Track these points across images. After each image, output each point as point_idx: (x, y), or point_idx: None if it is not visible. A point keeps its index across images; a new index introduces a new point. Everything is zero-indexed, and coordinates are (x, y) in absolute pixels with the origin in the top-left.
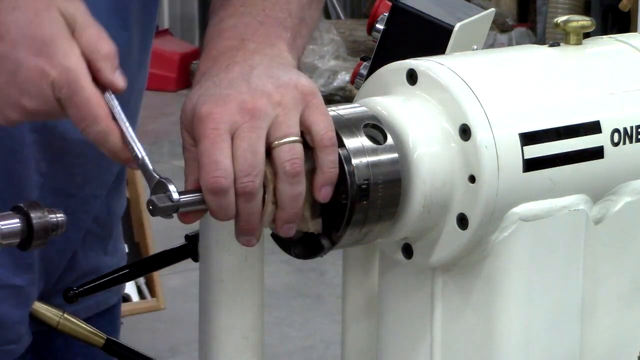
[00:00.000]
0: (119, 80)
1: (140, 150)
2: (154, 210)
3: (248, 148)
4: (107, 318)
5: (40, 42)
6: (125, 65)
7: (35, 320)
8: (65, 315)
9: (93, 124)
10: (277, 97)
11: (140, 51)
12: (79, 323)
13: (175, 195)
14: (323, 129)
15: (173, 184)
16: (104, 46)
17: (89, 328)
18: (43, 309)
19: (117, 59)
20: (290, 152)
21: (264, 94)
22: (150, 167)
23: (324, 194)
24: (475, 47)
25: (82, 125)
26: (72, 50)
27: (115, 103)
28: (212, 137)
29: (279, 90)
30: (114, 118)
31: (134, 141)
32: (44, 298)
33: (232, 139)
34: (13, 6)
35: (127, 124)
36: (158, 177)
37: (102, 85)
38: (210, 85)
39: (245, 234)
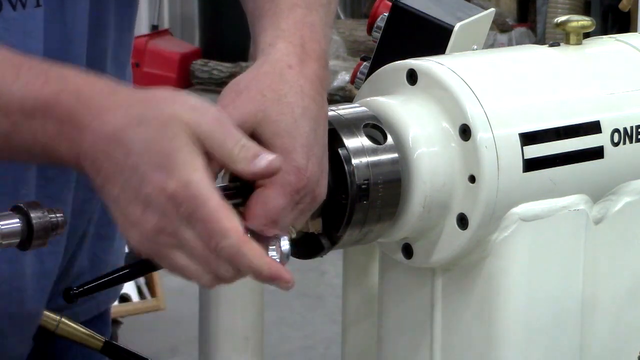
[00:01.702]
0: (257, 166)
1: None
2: None
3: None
4: (103, 319)
5: (162, 155)
6: (105, 68)
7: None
8: (63, 319)
9: (223, 239)
10: (320, 193)
11: (121, 51)
12: (77, 326)
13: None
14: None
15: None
16: (230, 141)
17: (87, 331)
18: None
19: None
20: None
21: (322, 180)
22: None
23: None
24: (475, 47)
25: (212, 244)
26: (193, 162)
27: None
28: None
29: (325, 185)
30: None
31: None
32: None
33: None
34: (138, 122)
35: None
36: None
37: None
38: (311, 109)
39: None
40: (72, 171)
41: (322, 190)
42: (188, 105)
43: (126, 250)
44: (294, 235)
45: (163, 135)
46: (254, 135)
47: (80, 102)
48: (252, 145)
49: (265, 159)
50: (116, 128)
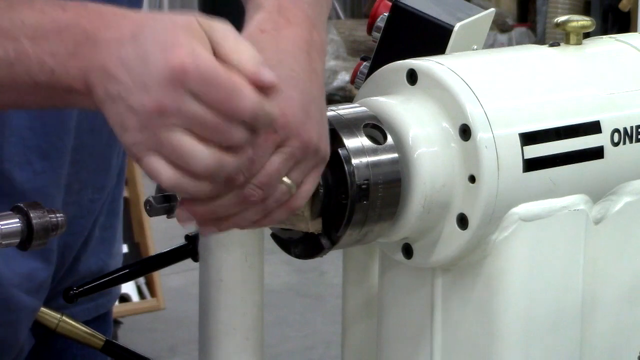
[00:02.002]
0: (263, 72)
1: None
2: (151, 211)
3: (279, 174)
4: (105, 319)
5: (170, 36)
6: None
7: (34, 322)
8: (64, 317)
9: (242, 99)
10: (323, 147)
11: None
12: (78, 325)
13: None
14: (305, 193)
15: None
16: (242, 42)
17: (87, 330)
18: (42, 312)
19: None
20: (279, 197)
21: (323, 136)
22: None
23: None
24: (475, 47)
25: (231, 106)
26: (203, 41)
27: None
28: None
29: (326, 141)
30: None
31: None
32: (45, 300)
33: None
34: (153, 19)
35: None
36: None
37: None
38: (293, 68)
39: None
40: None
41: (323, 146)
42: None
43: (125, 250)
44: (294, 191)
45: (175, 24)
46: None
47: (101, 20)
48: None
49: (271, 75)
50: (132, 29)
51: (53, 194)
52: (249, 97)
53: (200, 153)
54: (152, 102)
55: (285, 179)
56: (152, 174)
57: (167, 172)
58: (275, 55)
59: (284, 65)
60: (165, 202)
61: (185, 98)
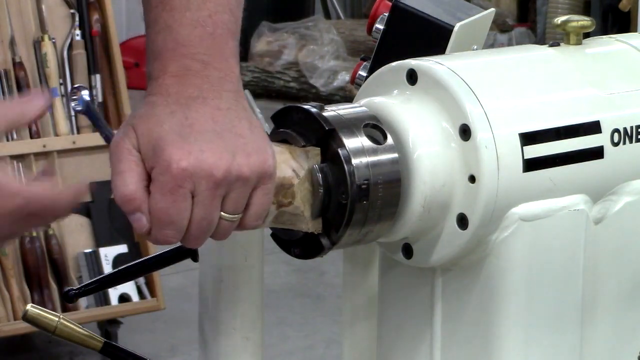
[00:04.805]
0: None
1: None
2: None
3: (205, 217)
4: None
5: None
6: None
7: (33, 324)
8: (62, 319)
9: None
10: (245, 171)
11: None
12: (76, 327)
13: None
14: (254, 215)
15: None
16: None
17: (86, 332)
18: (40, 315)
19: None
20: (227, 228)
21: (234, 163)
22: None
23: None
24: (475, 47)
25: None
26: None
27: None
28: (176, 195)
29: (249, 164)
30: None
31: None
32: None
33: (192, 198)
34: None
35: None
36: None
37: None
38: (180, 121)
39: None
40: None
41: (250, 167)
42: None
43: (125, 250)
44: (236, 219)
45: None
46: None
47: None
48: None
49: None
50: None
51: None
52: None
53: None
54: None
55: (222, 212)
56: None
57: None
58: (168, 109)
59: (178, 115)
60: None
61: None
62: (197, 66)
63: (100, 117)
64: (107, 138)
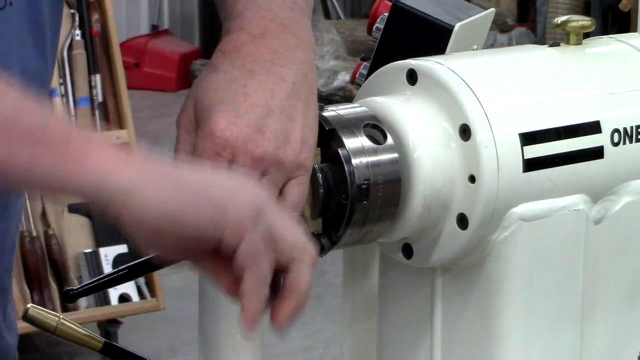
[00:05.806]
0: None
1: None
2: None
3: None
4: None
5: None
6: (45, 89)
7: (33, 324)
8: (62, 319)
9: None
10: (283, 157)
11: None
12: (77, 327)
13: None
14: (291, 206)
15: None
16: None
17: (86, 332)
18: (40, 315)
19: None
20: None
21: (275, 146)
22: None
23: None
24: (475, 47)
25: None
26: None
27: None
28: (214, 162)
29: (288, 151)
30: None
31: None
32: None
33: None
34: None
35: None
36: None
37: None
38: (237, 89)
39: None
40: None
41: (290, 155)
42: None
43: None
44: None
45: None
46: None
47: None
48: None
49: None
50: None
51: None
52: None
53: None
54: None
55: None
56: None
57: None
58: (229, 75)
59: (237, 83)
60: None
61: None
62: (276, 28)
63: None
64: None
